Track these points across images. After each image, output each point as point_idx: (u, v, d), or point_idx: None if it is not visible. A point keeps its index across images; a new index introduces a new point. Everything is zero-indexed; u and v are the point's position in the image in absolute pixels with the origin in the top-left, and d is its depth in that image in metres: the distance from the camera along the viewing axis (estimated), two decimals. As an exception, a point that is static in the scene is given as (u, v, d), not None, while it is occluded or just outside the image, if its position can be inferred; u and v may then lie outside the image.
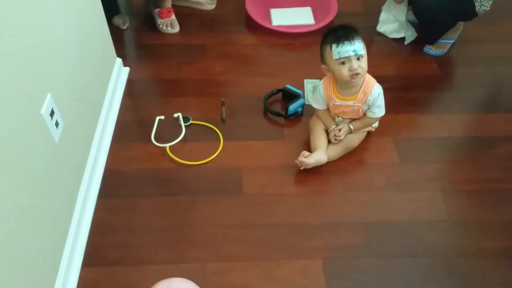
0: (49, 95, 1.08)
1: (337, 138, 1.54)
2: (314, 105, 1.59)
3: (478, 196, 1.51)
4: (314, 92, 1.80)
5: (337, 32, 1.40)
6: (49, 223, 1.12)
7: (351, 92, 1.48)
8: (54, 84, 1.13)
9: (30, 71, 1.01)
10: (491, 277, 1.30)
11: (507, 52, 2.05)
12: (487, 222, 1.43)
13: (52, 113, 1.09)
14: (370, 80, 1.49)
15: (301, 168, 1.50)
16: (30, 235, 1.01)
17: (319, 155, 1.48)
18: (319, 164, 1.49)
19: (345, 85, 1.47)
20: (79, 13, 1.34)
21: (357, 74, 1.40)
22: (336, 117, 1.57)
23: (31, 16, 1.02)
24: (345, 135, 1.55)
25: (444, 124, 1.73)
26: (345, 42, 1.37)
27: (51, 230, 1.14)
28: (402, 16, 2.01)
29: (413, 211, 1.45)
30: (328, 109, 1.58)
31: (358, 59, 1.39)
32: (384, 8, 2.07)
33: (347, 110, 1.52)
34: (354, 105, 1.50)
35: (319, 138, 1.53)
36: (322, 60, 1.47)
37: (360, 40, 1.39)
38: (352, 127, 1.55)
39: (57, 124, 1.12)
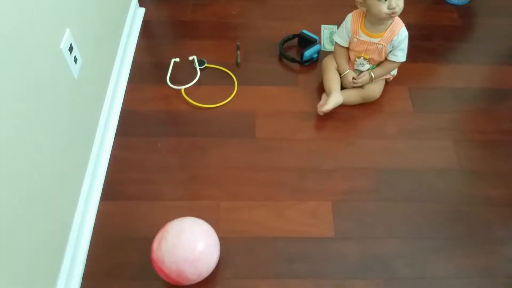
0: (68, 30, 1.09)
1: (355, 83, 1.53)
2: (337, 39, 1.56)
3: (489, 147, 1.51)
4: (332, 36, 1.77)
5: None
6: (70, 158, 1.17)
7: (379, 30, 1.46)
8: (72, 20, 1.14)
9: (48, 6, 1.01)
10: (495, 224, 1.34)
11: (532, 1, 1.98)
12: (497, 173, 1.45)
13: (71, 48, 1.10)
14: (399, 21, 1.45)
15: (322, 114, 1.51)
16: (52, 167, 1.06)
17: (336, 98, 1.49)
18: (337, 105, 1.50)
19: (376, 22, 1.44)
20: None
21: (394, 12, 1.38)
22: (356, 58, 1.54)
23: None
24: (365, 83, 1.54)
25: (461, 74, 1.71)
26: None
27: (71, 164, 1.19)
28: None
29: (424, 159, 1.46)
30: (346, 49, 1.56)
31: None
32: None
33: (371, 48, 1.49)
34: (379, 43, 1.47)
35: (332, 79, 1.53)
36: None
37: None
38: (373, 74, 1.53)
39: (75, 60, 1.14)
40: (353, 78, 1.53)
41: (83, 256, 1.20)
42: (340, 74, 1.56)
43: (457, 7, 1.95)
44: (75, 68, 1.13)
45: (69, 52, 1.09)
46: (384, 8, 1.36)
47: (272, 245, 1.26)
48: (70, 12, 1.13)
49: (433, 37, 1.83)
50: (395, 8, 1.36)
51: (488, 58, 1.77)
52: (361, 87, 1.55)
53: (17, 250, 0.90)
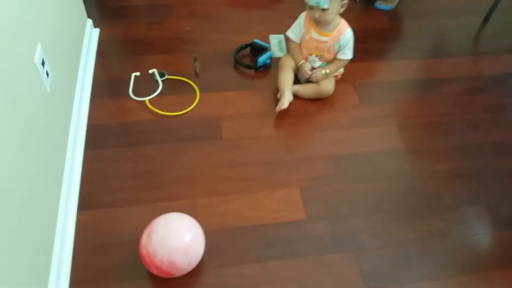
0: (39, 45, 1.13)
1: (310, 77, 1.69)
2: (290, 35, 1.71)
3: (429, 128, 1.72)
4: (280, 44, 1.93)
5: None
6: (44, 172, 1.19)
7: (328, 29, 1.62)
8: (42, 36, 1.18)
9: (23, 21, 1.05)
10: (443, 193, 1.52)
11: (449, 5, 2.27)
12: (438, 149, 1.65)
13: (43, 63, 1.14)
14: (344, 23, 1.64)
15: (279, 111, 1.64)
16: (27, 182, 1.06)
17: (288, 96, 1.63)
18: (290, 101, 1.64)
19: (318, 23, 1.61)
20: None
21: (318, 22, 1.55)
22: (309, 55, 1.70)
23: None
24: (319, 77, 1.69)
25: (396, 69, 1.93)
26: None
27: (46, 178, 1.20)
28: None
29: (374, 144, 1.63)
30: (299, 45, 1.71)
31: (323, 10, 1.53)
32: None
33: (320, 46, 1.65)
34: (327, 42, 1.64)
35: (285, 79, 1.68)
36: None
37: None
38: (328, 70, 1.69)
39: (47, 74, 1.18)
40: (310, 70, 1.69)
41: (68, 266, 1.21)
42: (297, 65, 1.71)
43: (385, 12, 2.20)
44: (47, 82, 1.18)
45: (42, 66, 1.13)
46: (311, 15, 1.57)
47: (250, 233, 1.35)
48: (40, 28, 1.18)
49: (368, 39, 2.05)
50: (317, 18, 1.56)
51: (416, 53, 2.01)
52: (316, 83, 1.71)
53: (2, 269, 0.90)
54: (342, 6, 1.57)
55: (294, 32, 1.71)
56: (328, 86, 1.72)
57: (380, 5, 2.21)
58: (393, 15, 2.19)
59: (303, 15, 1.67)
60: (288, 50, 1.78)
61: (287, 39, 1.78)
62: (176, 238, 1.14)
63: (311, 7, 1.54)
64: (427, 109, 1.78)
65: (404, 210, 1.46)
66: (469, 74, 1.94)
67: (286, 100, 1.62)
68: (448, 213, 1.47)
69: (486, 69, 1.97)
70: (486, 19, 2.21)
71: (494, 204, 1.51)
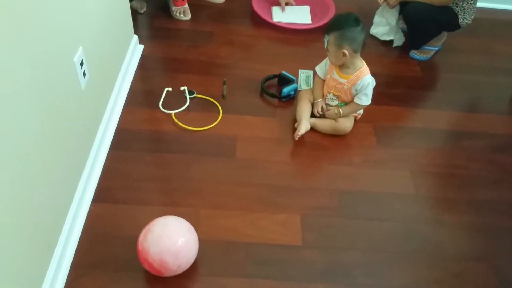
0: (81, 47, 1.29)
1: (322, 113, 1.77)
2: (317, 70, 1.82)
3: (442, 178, 1.71)
4: (307, 78, 2.03)
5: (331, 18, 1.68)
6: (68, 162, 1.32)
7: (347, 72, 1.71)
8: (86, 40, 1.35)
9: (68, 26, 1.22)
10: (446, 244, 1.50)
11: (483, 63, 2.28)
12: (448, 200, 1.64)
13: (82, 63, 1.30)
14: (365, 69, 1.71)
15: (297, 139, 1.71)
16: (51, 167, 1.19)
17: (305, 124, 1.71)
18: (307, 130, 1.72)
19: (344, 65, 1.71)
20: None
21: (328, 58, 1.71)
22: (327, 93, 1.78)
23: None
24: (332, 115, 1.76)
25: (419, 117, 1.95)
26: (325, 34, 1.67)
27: (68, 168, 1.33)
28: (393, 20, 2.23)
29: (384, 185, 1.65)
30: (323, 82, 1.80)
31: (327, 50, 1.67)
32: (378, 12, 2.30)
33: (338, 86, 1.73)
34: (345, 84, 1.71)
35: (303, 109, 1.77)
36: None
37: (326, 36, 1.65)
38: (341, 111, 1.76)
39: (84, 74, 1.33)
40: (322, 108, 1.77)
41: (73, 249, 1.31)
42: (313, 101, 1.80)
43: (419, 61, 2.24)
44: (83, 81, 1.33)
45: (80, 66, 1.29)
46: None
47: (244, 249, 1.40)
48: (85, 33, 1.35)
49: (397, 85, 2.10)
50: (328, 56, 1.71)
51: (443, 105, 2.02)
52: (334, 119, 1.77)
53: (15, 236, 1.02)
54: (343, 55, 1.64)
55: (320, 68, 1.81)
56: (346, 124, 1.77)
57: (414, 54, 2.26)
58: (426, 65, 2.23)
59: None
60: (313, 83, 1.87)
61: (315, 73, 1.87)
62: (170, 240, 1.21)
63: None
64: (444, 160, 1.78)
65: (403, 254, 1.45)
66: (495, 131, 1.92)
67: (303, 127, 1.69)
68: (449, 265, 1.45)
69: (513, 130, 1.95)
70: (521, 80, 2.20)
71: (500, 263, 1.46)
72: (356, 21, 1.61)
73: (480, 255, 1.48)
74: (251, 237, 1.43)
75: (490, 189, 1.68)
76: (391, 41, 2.29)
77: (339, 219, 1.52)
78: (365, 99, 1.73)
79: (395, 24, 2.25)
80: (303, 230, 1.47)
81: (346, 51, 1.62)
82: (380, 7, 2.27)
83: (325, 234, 1.47)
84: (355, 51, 1.64)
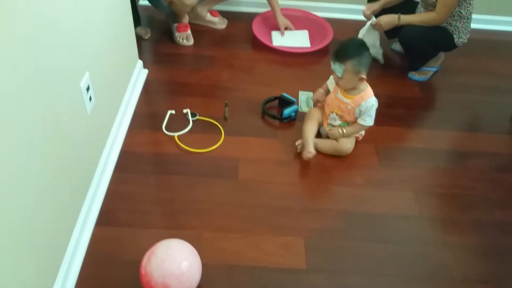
0: (87, 73, 1.32)
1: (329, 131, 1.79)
2: (324, 85, 1.84)
3: (446, 198, 1.71)
4: (308, 100, 2.05)
5: (339, 46, 1.67)
6: (71, 185, 1.33)
7: (352, 93, 1.72)
8: (92, 66, 1.38)
9: (75, 53, 1.25)
10: (452, 266, 1.48)
11: (481, 82, 2.31)
12: (453, 221, 1.63)
13: (88, 88, 1.33)
14: (370, 91, 1.73)
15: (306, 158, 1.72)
16: (55, 191, 1.20)
17: (312, 145, 1.73)
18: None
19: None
20: (112, 17, 1.61)
21: (338, 84, 1.69)
22: (330, 113, 1.79)
23: (79, 16, 1.28)
24: (336, 135, 1.77)
25: (420, 137, 1.96)
26: (332, 61, 1.65)
27: (72, 191, 1.34)
28: (377, 42, 2.25)
29: (387, 206, 1.64)
30: (328, 91, 1.82)
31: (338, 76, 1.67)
32: (362, 36, 2.21)
33: (342, 106, 1.74)
34: (349, 104, 1.73)
35: (309, 129, 1.77)
36: None
37: (341, 64, 1.62)
38: (344, 131, 1.77)
39: (90, 98, 1.36)
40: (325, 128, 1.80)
41: (75, 274, 1.31)
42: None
43: (418, 82, 2.27)
44: (89, 105, 1.35)
45: (86, 91, 1.31)
46: (334, 76, 1.71)
47: (247, 273, 1.38)
48: (91, 59, 1.38)
49: (397, 105, 2.12)
50: (336, 81, 1.69)
51: (444, 125, 2.04)
52: (335, 140, 1.79)
53: (17, 260, 1.02)
54: (360, 80, 1.66)
55: (325, 85, 1.85)
56: (347, 144, 1.78)
57: (413, 75, 2.29)
58: (425, 86, 2.26)
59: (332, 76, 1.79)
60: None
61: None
62: (173, 264, 1.21)
63: (333, 70, 1.68)
64: (447, 180, 1.78)
65: (408, 277, 1.44)
66: (497, 151, 1.93)
67: (311, 147, 1.71)
68: (454, 287, 1.43)
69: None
70: (521, 99, 2.22)
71: (507, 286, 1.44)
72: (365, 46, 1.66)
73: (486, 277, 1.46)
74: (254, 261, 1.42)
75: (495, 210, 1.67)
76: (387, 63, 2.33)
77: (343, 241, 1.51)
78: (369, 120, 1.75)
79: (379, 45, 2.27)
80: (307, 253, 1.46)
81: (363, 76, 1.65)
82: (364, 30, 2.21)
83: (329, 257, 1.46)
84: (367, 75, 1.67)
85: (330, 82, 1.81)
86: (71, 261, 1.29)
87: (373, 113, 1.74)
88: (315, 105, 1.90)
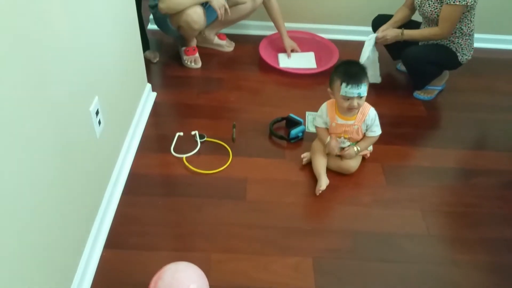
0: (96, 97, 1.36)
1: (335, 150, 1.76)
2: (317, 123, 1.79)
3: (454, 217, 1.70)
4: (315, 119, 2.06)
5: (350, 69, 1.64)
6: (80, 209, 1.34)
7: (351, 114, 1.73)
8: (101, 90, 1.42)
9: (84, 77, 1.29)
10: (462, 284, 1.47)
11: (487, 101, 2.32)
12: (461, 239, 1.62)
13: (97, 112, 1.36)
14: (366, 104, 1.73)
15: (318, 194, 1.71)
16: (64, 215, 1.22)
17: (324, 179, 1.72)
18: (327, 184, 1.72)
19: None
20: (121, 42, 1.66)
21: (353, 109, 1.68)
22: (338, 138, 1.78)
23: (89, 42, 1.33)
24: (352, 155, 1.76)
25: (427, 156, 1.97)
26: (353, 85, 1.60)
27: (82, 214, 1.36)
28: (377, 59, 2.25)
29: (395, 225, 1.64)
30: (327, 129, 1.80)
31: (360, 97, 1.64)
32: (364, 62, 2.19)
33: (348, 129, 1.75)
34: (354, 124, 1.74)
35: (319, 164, 1.77)
36: (331, 86, 1.70)
37: (365, 84, 1.63)
38: (359, 148, 1.77)
39: (99, 122, 1.39)
40: (341, 150, 1.78)
41: (84, 296, 1.31)
42: (324, 144, 1.78)
43: (424, 101, 2.29)
44: (98, 129, 1.38)
45: (95, 115, 1.35)
46: (346, 104, 1.66)
47: (257, 294, 1.38)
48: (100, 84, 1.42)
49: (403, 125, 2.13)
50: (355, 106, 1.65)
51: (450, 143, 2.04)
52: (339, 158, 1.80)
53: (27, 283, 1.02)
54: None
55: (320, 118, 1.79)
56: (351, 163, 1.79)
57: (418, 95, 2.31)
58: (431, 105, 2.27)
59: (324, 107, 1.77)
60: (317, 134, 1.85)
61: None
62: (180, 287, 1.21)
63: (349, 98, 1.64)
64: (454, 198, 1.77)
65: (418, 297, 1.43)
66: (504, 168, 1.92)
67: (323, 183, 1.70)
68: (466, 307, 1.41)
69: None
70: (527, 117, 2.22)
71: (518, 306, 1.42)
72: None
73: (497, 296, 1.44)
74: (263, 282, 1.41)
75: (503, 227, 1.66)
76: (393, 83, 2.35)
77: (352, 261, 1.51)
78: (378, 130, 1.77)
79: (378, 68, 2.26)
80: (315, 274, 1.45)
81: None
82: (371, 46, 2.18)
83: (338, 278, 1.45)
84: None
85: (322, 115, 1.77)
86: (79, 284, 1.30)
87: (378, 122, 1.76)
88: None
